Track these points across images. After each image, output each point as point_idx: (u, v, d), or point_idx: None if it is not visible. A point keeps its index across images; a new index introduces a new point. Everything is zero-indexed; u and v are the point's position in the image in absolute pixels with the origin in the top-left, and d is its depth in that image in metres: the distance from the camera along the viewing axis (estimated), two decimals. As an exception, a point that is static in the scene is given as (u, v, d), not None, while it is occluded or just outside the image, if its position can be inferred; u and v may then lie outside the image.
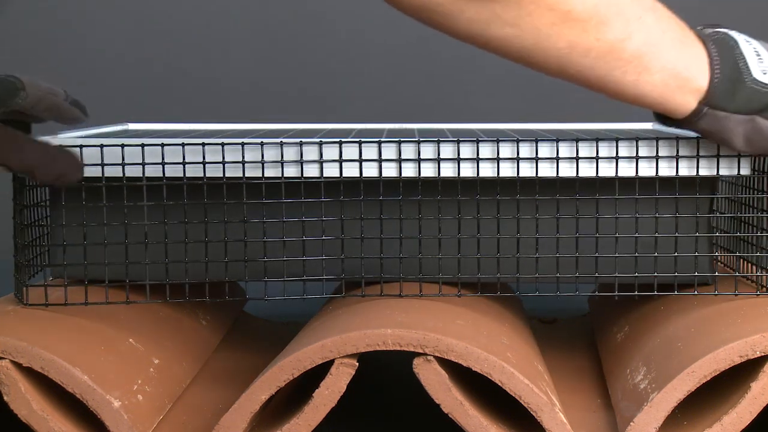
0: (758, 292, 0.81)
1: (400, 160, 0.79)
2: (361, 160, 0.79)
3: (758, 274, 0.81)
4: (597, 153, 0.79)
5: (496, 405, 0.72)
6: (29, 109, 0.79)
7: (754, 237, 0.82)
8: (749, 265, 0.83)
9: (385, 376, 0.89)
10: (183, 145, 0.79)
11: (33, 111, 0.79)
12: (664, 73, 0.73)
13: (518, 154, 0.79)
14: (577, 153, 0.79)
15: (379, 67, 1.67)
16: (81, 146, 0.79)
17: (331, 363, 0.69)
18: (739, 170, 0.79)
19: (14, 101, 0.79)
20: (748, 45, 0.75)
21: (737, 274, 0.83)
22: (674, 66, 0.73)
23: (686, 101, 0.74)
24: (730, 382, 0.70)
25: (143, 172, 0.79)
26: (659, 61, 0.73)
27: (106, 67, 1.67)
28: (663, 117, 0.78)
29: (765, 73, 0.74)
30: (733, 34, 0.75)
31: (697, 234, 0.81)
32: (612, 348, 0.86)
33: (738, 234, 0.83)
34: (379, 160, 0.79)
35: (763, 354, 0.68)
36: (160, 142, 0.79)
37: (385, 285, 0.82)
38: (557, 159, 0.79)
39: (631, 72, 0.72)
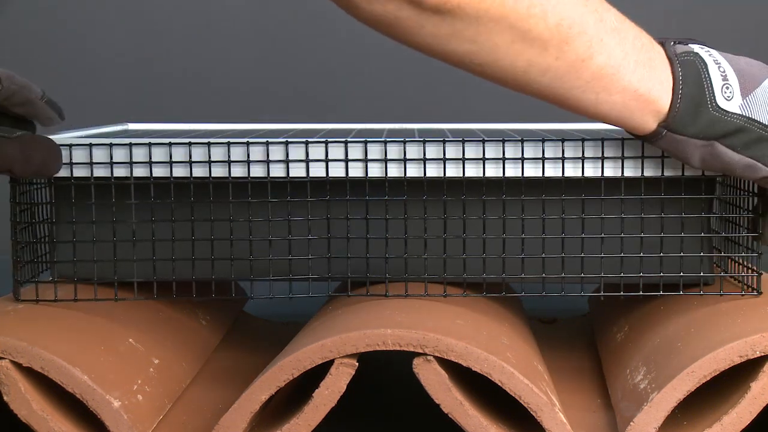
0: (743, 292, 0.81)
1: (405, 160, 0.79)
2: (366, 160, 0.79)
3: (751, 274, 0.81)
4: (603, 153, 0.79)
5: (496, 405, 0.72)
6: (2, 101, 0.79)
7: (741, 238, 0.82)
8: (737, 265, 0.84)
9: (385, 376, 0.89)
10: (170, 144, 0.79)
11: (6, 103, 0.79)
12: (624, 94, 0.72)
13: (523, 154, 0.79)
14: (583, 153, 0.79)
15: (379, 67, 1.67)
16: (71, 145, 0.79)
17: (331, 363, 0.69)
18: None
19: None
20: (716, 68, 0.74)
21: (735, 274, 0.83)
22: (636, 88, 0.72)
23: (646, 122, 0.74)
24: (730, 382, 0.70)
25: (131, 172, 0.79)
26: (620, 82, 0.72)
27: (106, 67, 1.67)
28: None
29: (728, 100, 0.73)
30: (704, 54, 0.74)
31: (702, 234, 0.81)
32: (612, 348, 0.86)
33: (733, 234, 0.83)
34: (385, 160, 0.79)
35: (763, 354, 0.68)
36: (147, 142, 0.79)
37: (390, 285, 0.82)
38: (563, 159, 0.79)
39: (590, 92, 0.72)
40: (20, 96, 0.79)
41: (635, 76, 0.72)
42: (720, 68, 0.74)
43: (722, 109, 0.73)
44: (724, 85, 0.73)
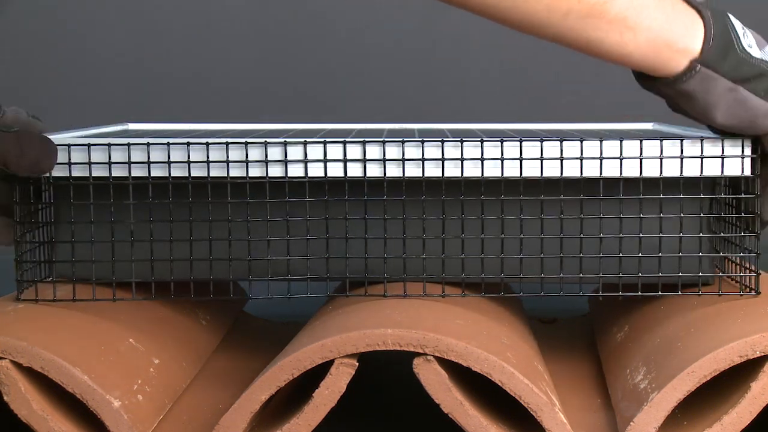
0: (741, 292, 0.81)
1: (403, 160, 0.79)
2: (365, 160, 0.79)
3: (749, 274, 0.81)
4: (601, 153, 0.79)
5: (496, 405, 0.72)
6: (2, 124, 0.82)
7: (740, 238, 0.82)
8: (736, 265, 0.84)
9: (385, 376, 0.89)
10: (168, 144, 0.79)
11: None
12: (650, 32, 0.73)
13: (521, 154, 0.79)
14: (582, 153, 0.79)
15: (379, 67, 1.67)
16: (69, 145, 0.79)
17: (331, 363, 0.69)
18: (743, 171, 0.79)
19: None
20: (734, 19, 0.77)
21: (734, 274, 0.83)
22: (661, 26, 0.73)
23: (674, 59, 0.75)
24: (730, 382, 0.70)
25: (129, 172, 0.79)
26: (645, 20, 0.73)
27: (107, 68, 1.67)
28: (642, 78, 0.79)
29: (750, 47, 0.75)
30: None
31: (701, 234, 0.81)
32: (612, 348, 0.86)
33: (732, 234, 0.83)
34: (383, 160, 0.79)
35: (763, 354, 0.68)
36: (145, 142, 0.79)
37: (389, 285, 0.82)
38: (561, 159, 0.79)
39: (614, 32, 0.73)
40: (17, 120, 0.84)
41: (659, 12, 0.73)
42: (738, 20, 0.77)
43: (747, 52, 0.75)
44: (743, 33, 0.76)
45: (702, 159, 0.79)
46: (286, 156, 0.79)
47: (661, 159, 0.79)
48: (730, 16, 0.77)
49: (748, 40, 0.76)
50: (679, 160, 0.79)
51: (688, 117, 0.79)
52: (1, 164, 0.75)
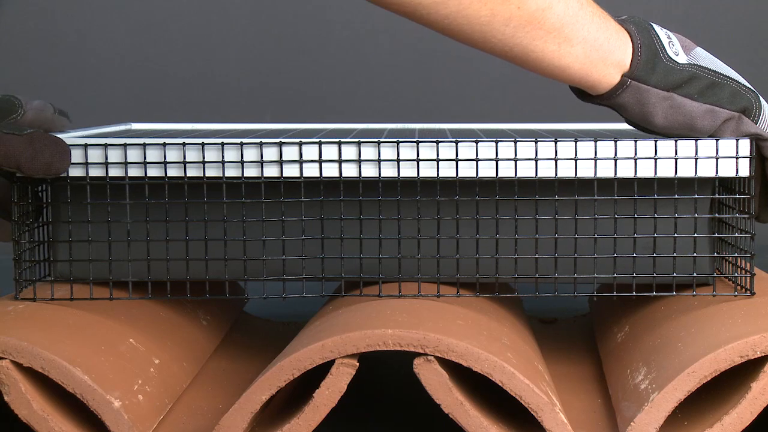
0: (736, 293, 0.81)
1: (398, 161, 0.79)
2: (360, 160, 0.79)
3: (744, 275, 0.81)
4: (595, 154, 0.79)
5: (496, 405, 0.72)
6: (22, 124, 0.82)
7: (735, 238, 0.82)
8: (731, 266, 0.84)
9: (385, 376, 0.89)
10: (164, 145, 0.79)
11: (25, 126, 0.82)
12: (585, 45, 0.76)
13: (516, 154, 0.79)
14: (576, 153, 0.79)
15: (379, 67, 1.67)
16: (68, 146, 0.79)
17: (331, 363, 0.69)
18: (737, 171, 0.79)
19: (12, 117, 0.82)
20: (659, 28, 0.79)
21: (728, 275, 0.83)
22: (595, 38, 0.76)
23: (608, 74, 0.77)
24: (731, 382, 0.70)
25: (125, 172, 0.79)
26: (580, 32, 0.75)
27: (112, 68, 1.67)
28: (581, 93, 0.81)
29: (677, 54, 0.78)
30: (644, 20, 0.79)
31: (695, 234, 0.81)
32: (612, 348, 0.86)
33: (727, 235, 0.83)
34: (378, 160, 0.79)
35: (763, 354, 0.68)
36: (142, 143, 0.79)
37: (384, 285, 0.82)
38: (555, 159, 0.79)
39: (552, 42, 0.75)
40: (39, 119, 0.84)
41: (593, 26, 0.76)
42: (662, 29, 0.79)
43: (673, 60, 0.78)
44: (669, 41, 0.78)
45: (696, 160, 0.79)
46: (281, 156, 0.79)
47: (655, 160, 0.79)
48: (654, 25, 0.79)
49: (674, 47, 0.78)
50: (674, 160, 0.79)
51: (631, 125, 0.81)
52: (14, 167, 0.75)
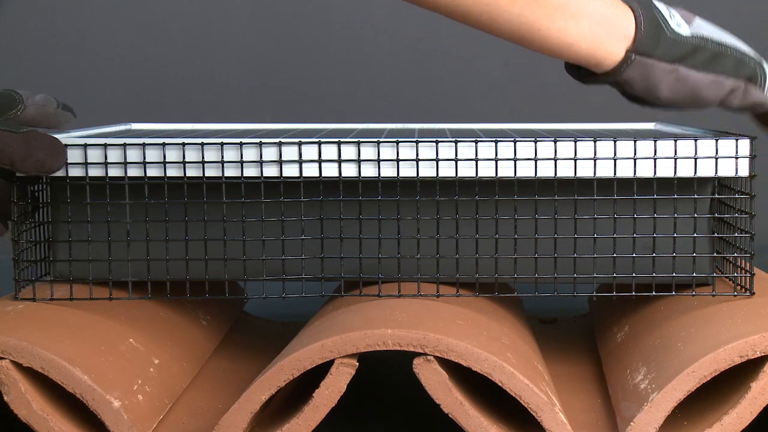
0: (735, 293, 0.81)
1: (398, 160, 0.79)
2: (359, 160, 0.79)
3: (743, 275, 0.81)
4: (595, 154, 0.79)
5: (496, 405, 0.72)
6: (22, 119, 0.81)
7: (735, 238, 0.82)
8: (730, 265, 0.83)
9: (385, 376, 0.89)
10: (164, 145, 0.79)
11: (25, 121, 0.82)
12: (591, 20, 0.76)
13: (516, 154, 0.79)
14: (576, 153, 0.79)
15: (379, 67, 1.67)
16: (66, 145, 0.79)
17: (331, 363, 0.69)
18: (737, 171, 0.79)
19: (12, 113, 0.81)
20: (659, 2, 0.79)
21: (728, 275, 0.83)
22: (601, 13, 0.76)
23: (615, 49, 0.77)
24: (731, 382, 0.70)
25: (125, 172, 0.79)
26: (586, 8, 0.76)
27: (111, 68, 1.67)
28: (581, 75, 0.81)
29: (679, 26, 0.78)
30: None
31: (695, 234, 0.81)
32: (612, 348, 0.86)
33: (726, 235, 0.83)
34: (378, 160, 0.79)
35: (763, 354, 0.68)
36: (141, 143, 0.79)
37: (384, 285, 0.82)
38: (555, 159, 0.79)
39: (558, 19, 0.75)
40: (41, 113, 0.83)
41: (598, 2, 0.76)
42: (662, 3, 0.79)
43: (677, 32, 0.78)
44: (670, 15, 0.78)
45: (696, 159, 0.79)
46: (280, 156, 0.79)
47: (655, 159, 0.79)
48: (655, 0, 0.79)
49: (675, 19, 0.78)
50: (673, 160, 0.79)
51: (634, 101, 0.81)
52: (7, 164, 0.75)
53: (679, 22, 0.78)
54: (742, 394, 0.67)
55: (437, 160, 0.79)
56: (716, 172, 0.79)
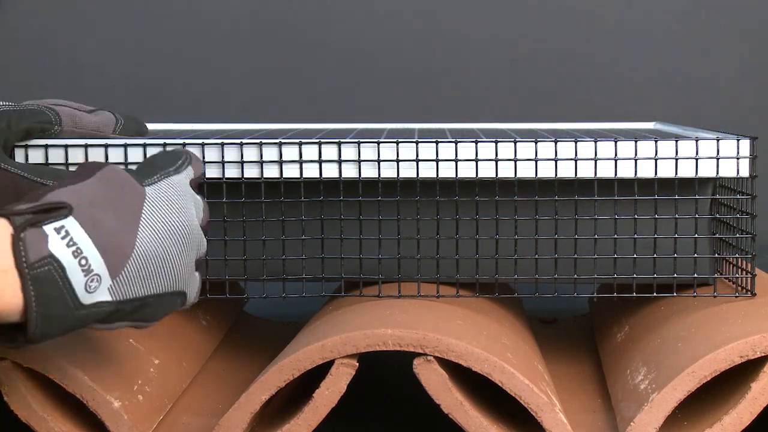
0: (737, 294, 0.80)
1: (398, 161, 0.79)
2: (360, 160, 0.79)
3: (744, 275, 0.81)
4: (596, 154, 0.79)
5: (496, 405, 0.72)
6: (61, 134, 0.79)
7: (737, 240, 0.81)
8: (732, 266, 0.83)
9: (385, 376, 0.89)
10: (164, 145, 0.79)
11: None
12: None
13: (516, 154, 0.79)
14: (576, 153, 0.79)
15: (380, 67, 1.67)
16: (66, 146, 0.79)
17: (331, 363, 0.69)
18: (738, 171, 0.79)
19: (45, 135, 0.78)
20: (76, 264, 0.59)
21: (729, 275, 0.83)
22: None
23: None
24: (731, 382, 0.70)
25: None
26: None
27: (111, 68, 1.67)
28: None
29: (93, 291, 0.60)
30: (62, 251, 0.59)
31: (696, 235, 0.81)
32: (612, 348, 0.86)
33: (728, 236, 0.83)
34: (378, 161, 0.79)
35: (763, 354, 0.68)
36: (142, 143, 0.79)
37: (384, 285, 0.82)
38: (555, 160, 0.79)
39: None
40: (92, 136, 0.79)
41: None
42: (81, 261, 0.60)
43: (87, 305, 0.60)
44: (88, 279, 0.60)
45: (697, 160, 0.78)
46: (281, 156, 0.79)
47: (656, 160, 0.79)
48: (70, 257, 0.59)
49: (94, 282, 0.60)
50: (674, 161, 0.79)
51: None
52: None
53: (97, 284, 0.60)
54: (742, 394, 0.67)
55: (437, 160, 0.79)
56: (717, 173, 0.79)
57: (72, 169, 0.78)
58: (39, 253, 0.58)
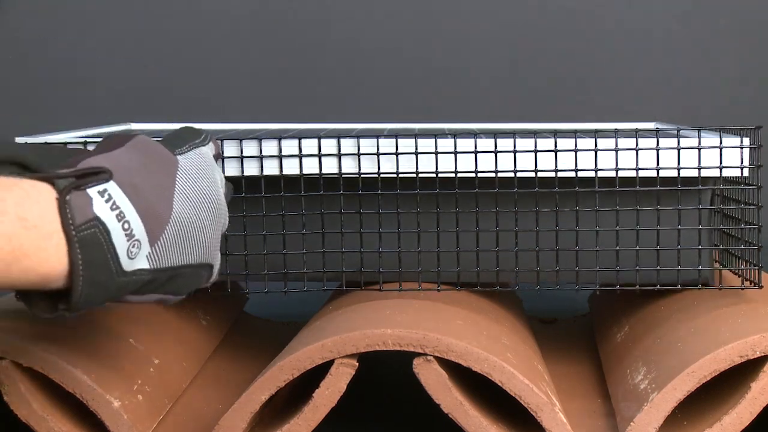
0: (743, 286, 0.80)
1: (397, 154, 0.79)
2: (359, 155, 0.80)
3: (751, 267, 0.81)
4: (596, 155, 0.79)
5: (496, 405, 0.72)
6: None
7: (742, 232, 0.81)
8: (737, 259, 0.83)
9: (385, 376, 0.89)
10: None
11: None
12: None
13: (515, 150, 0.79)
14: (576, 155, 0.79)
15: (380, 67, 1.67)
16: (65, 143, 0.79)
17: (331, 363, 0.69)
18: (742, 170, 0.79)
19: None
20: (120, 228, 0.58)
21: (735, 267, 0.83)
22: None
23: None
24: (730, 382, 0.70)
25: None
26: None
27: (111, 68, 1.67)
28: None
29: (134, 258, 0.59)
30: (107, 215, 0.58)
31: (700, 226, 0.81)
32: (612, 348, 0.86)
33: (733, 227, 0.83)
34: (377, 155, 0.80)
35: (763, 354, 0.68)
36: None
37: (384, 285, 0.82)
38: (556, 160, 0.79)
39: None
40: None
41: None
42: (125, 225, 0.59)
43: (128, 271, 0.59)
44: (130, 245, 0.59)
45: (700, 156, 0.78)
46: (280, 152, 0.79)
47: (657, 158, 0.79)
48: (114, 220, 0.58)
49: (135, 247, 0.59)
50: (677, 156, 0.78)
51: None
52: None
53: (137, 250, 0.59)
54: (742, 394, 0.67)
55: (436, 154, 0.79)
56: (720, 163, 0.78)
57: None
58: (85, 216, 0.56)
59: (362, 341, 0.69)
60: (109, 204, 0.58)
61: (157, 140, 0.65)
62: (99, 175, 0.58)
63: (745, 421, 0.67)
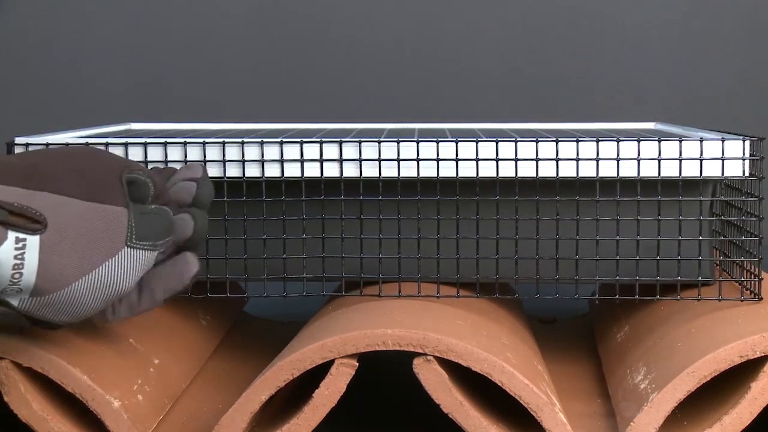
0: (743, 297, 0.80)
1: (399, 160, 0.79)
2: (360, 160, 0.79)
3: (752, 279, 0.80)
4: (597, 154, 0.79)
5: (496, 405, 0.72)
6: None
7: (743, 243, 0.81)
8: (738, 269, 0.83)
9: (385, 376, 0.89)
10: (165, 144, 0.79)
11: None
12: None
13: (516, 154, 0.79)
14: (578, 154, 0.79)
15: (380, 66, 1.67)
16: (66, 144, 0.79)
17: (331, 363, 0.69)
18: (744, 172, 0.78)
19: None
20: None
21: (735, 279, 0.83)
22: None
23: None
24: (730, 382, 0.70)
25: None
26: None
27: (111, 68, 1.67)
28: None
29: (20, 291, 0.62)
30: None
31: (700, 237, 0.80)
32: (612, 348, 0.86)
33: (734, 238, 0.82)
34: (379, 160, 0.79)
35: (763, 354, 0.68)
36: (143, 142, 0.79)
37: (384, 285, 0.82)
38: (557, 160, 0.79)
39: None
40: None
41: None
42: (15, 275, 0.62)
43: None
44: (8, 288, 0.62)
45: (701, 160, 0.78)
46: (282, 155, 0.79)
47: (659, 160, 0.78)
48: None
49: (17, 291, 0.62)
50: (678, 161, 0.78)
51: None
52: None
53: (13, 293, 0.62)
54: (742, 394, 0.67)
55: (438, 160, 0.79)
56: (722, 173, 0.78)
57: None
58: None
59: (362, 341, 0.69)
60: (17, 253, 0.60)
61: (138, 213, 0.65)
62: (34, 224, 0.60)
63: (745, 421, 0.67)
